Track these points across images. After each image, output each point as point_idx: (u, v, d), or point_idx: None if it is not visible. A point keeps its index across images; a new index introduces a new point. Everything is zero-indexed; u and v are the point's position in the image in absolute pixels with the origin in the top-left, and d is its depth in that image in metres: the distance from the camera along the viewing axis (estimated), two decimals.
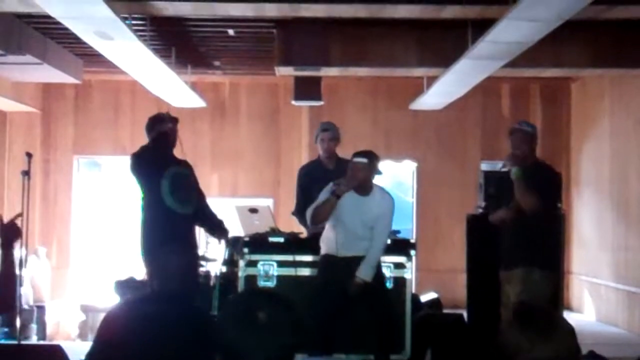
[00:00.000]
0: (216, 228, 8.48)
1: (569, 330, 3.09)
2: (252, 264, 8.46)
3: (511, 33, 8.83)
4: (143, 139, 14.89)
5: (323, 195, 7.63)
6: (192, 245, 8.22)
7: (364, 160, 7.65)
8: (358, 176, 7.61)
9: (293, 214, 9.05)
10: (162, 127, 8.21)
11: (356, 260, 7.60)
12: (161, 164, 8.04)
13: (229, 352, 3.05)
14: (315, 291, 7.73)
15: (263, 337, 2.98)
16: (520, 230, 7.63)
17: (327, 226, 7.77)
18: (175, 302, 4.93)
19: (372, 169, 7.69)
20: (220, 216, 8.52)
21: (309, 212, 7.80)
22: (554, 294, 7.80)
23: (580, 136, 14.60)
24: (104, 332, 4.81)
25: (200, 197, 8.36)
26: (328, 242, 7.77)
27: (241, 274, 8.47)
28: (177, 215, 8.01)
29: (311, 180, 8.66)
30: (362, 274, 7.56)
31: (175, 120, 8.35)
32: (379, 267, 7.78)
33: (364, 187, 7.67)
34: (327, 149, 8.89)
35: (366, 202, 7.68)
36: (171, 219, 7.95)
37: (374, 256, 7.65)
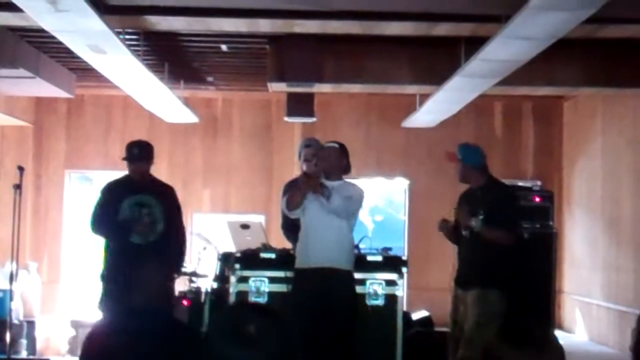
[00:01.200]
0: (173, 266, 8.30)
1: (559, 348, 3.07)
2: (244, 280, 8.45)
3: (504, 51, 8.81)
4: None
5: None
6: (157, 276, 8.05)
7: (335, 144, 7.85)
8: (329, 159, 7.76)
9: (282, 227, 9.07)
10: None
11: (327, 272, 7.57)
12: (124, 191, 8.10)
13: None
14: (291, 309, 7.69)
15: (252, 350, 2.95)
16: (476, 251, 7.68)
17: (299, 237, 7.79)
18: (158, 317, 4.97)
19: (341, 155, 7.81)
20: (182, 253, 8.45)
21: (283, 200, 7.88)
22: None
23: (573, 155, 14.60)
24: (87, 348, 4.82)
25: (170, 225, 8.23)
26: (299, 253, 7.79)
27: (232, 290, 8.47)
28: (130, 244, 8.03)
29: None
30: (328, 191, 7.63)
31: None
32: (352, 283, 7.76)
33: (333, 174, 7.77)
34: (309, 165, 8.86)
35: (336, 188, 7.70)
36: (126, 248, 7.99)
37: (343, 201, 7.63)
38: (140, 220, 8.22)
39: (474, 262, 7.73)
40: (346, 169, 7.95)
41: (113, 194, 8.47)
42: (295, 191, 7.86)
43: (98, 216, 8.45)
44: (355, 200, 7.78)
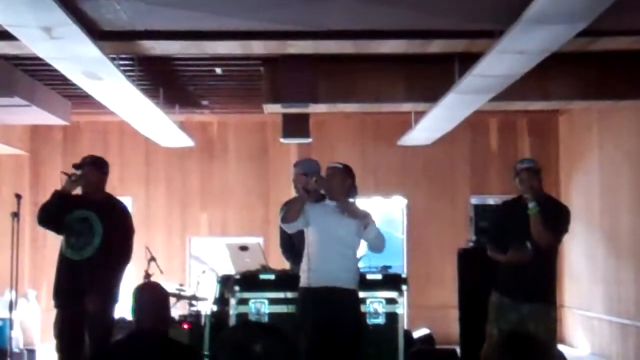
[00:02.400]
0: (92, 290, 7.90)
1: (560, 357, 3.05)
2: (244, 302, 8.41)
3: (498, 66, 8.82)
4: (132, 179, 15.00)
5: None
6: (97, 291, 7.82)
7: (339, 165, 7.73)
8: (331, 180, 7.63)
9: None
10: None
11: (332, 292, 7.44)
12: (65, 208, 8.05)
13: None
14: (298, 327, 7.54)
15: None
16: (538, 264, 7.55)
17: (304, 254, 7.67)
18: (158, 339, 4.98)
19: (346, 176, 7.68)
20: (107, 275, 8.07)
21: (281, 214, 7.80)
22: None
23: (569, 170, 14.60)
24: None
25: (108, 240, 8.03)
26: (302, 272, 7.65)
27: (232, 312, 8.44)
28: (70, 261, 7.98)
29: None
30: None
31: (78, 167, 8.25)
32: (357, 304, 7.64)
33: (335, 195, 7.63)
34: (295, 184, 8.65)
35: (338, 211, 7.59)
36: (67, 265, 7.94)
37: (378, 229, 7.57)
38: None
39: (535, 275, 7.57)
40: (350, 191, 7.76)
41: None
42: (292, 202, 7.79)
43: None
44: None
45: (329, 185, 7.64)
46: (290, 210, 7.60)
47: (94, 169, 8.25)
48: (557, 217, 7.56)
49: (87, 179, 8.19)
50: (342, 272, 7.50)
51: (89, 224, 8.06)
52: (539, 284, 7.53)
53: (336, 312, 7.39)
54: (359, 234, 7.57)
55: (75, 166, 8.24)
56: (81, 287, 7.76)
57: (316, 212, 7.59)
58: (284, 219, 7.64)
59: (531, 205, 7.44)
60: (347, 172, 7.76)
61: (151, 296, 5.17)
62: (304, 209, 7.53)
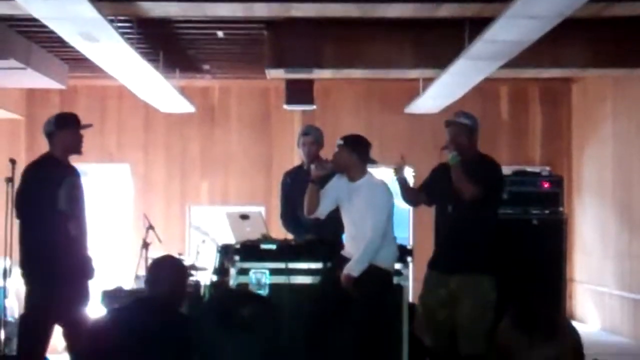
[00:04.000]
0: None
1: (574, 336, 2.86)
2: (244, 272, 8.20)
3: (509, 31, 8.64)
4: (130, 146, 14.76)
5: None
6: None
7: (340, 141, 7.49)
8: (334, 158, 7.46)
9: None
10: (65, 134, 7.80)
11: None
12: (59, 173, 7.70)
13: (207, 353, 3.00)
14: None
15: (243, 334, 2.94)
16: (464, 231, 7.37)
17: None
18: (158, 308, 4.97)
19: (350, 151, 7.45)
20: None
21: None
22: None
23: (582, 140, 14.34)
24: (84, 341, 5.01)
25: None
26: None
27: (232, 282, 8.26)
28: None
29: (294, 186, 8.52)
30: (348, 267, 7.28)
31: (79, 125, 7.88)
32: (368, 276, 7.38)
33: (349, 173, 7.47)
34: (308, 153, 8.71)
35: (353, 189, 7.46)
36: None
37: (362, 251, 7.31)
38: None
39: (461, 243, 7.38)
40: (364, 162, 7.55)
41: None
42: (307, 196, 7.54)
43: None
44: (380, 208, 7.44)
45: (340, 169, 7.47)
46: (308, 205, 7.49)
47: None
48: (485, 173, 7.36)
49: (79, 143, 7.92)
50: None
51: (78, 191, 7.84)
52: (470, 253, 7.32)
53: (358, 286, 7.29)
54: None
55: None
56: None
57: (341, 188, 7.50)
58: (308, 213, 7.57)
59: (451, 155, 7.32)
60: (351, 146, 7.50)
61: (171, 271, 5.23)
62: (325, 193, 7.49)
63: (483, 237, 7.41)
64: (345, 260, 7.40)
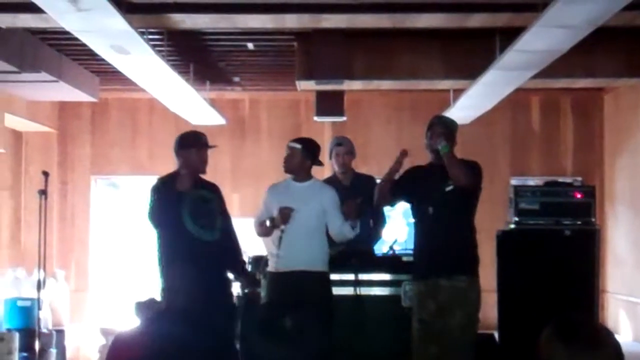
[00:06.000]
0: (240, 273, 8.10)
1: (614, 344, 2.88)
2: None
3: (541, 41, 8.56)
4: (161, 158, 14.76)
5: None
6: (217, 271, 7.72)
7: (296, 145, 7.63)
8: (290, 160, 7.61)
9: None
10: (190, 153, 7.84)
11: (301, 275, 7.40)
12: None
13: None
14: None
15: (290, 345, 2.94)
16: (448, 232, 7.30)
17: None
18: (190, 320, 4.94)
19: (305, 157, 7.60)
20: (242, 255, 8.16)
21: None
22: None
23: (614, 150, 14.23)
24: (113, 351, 4.89)
25: (226, 222, 7.93)
26: (270, 255, 7.67)
27: (264, 293, 8.23)
28: (198, 242, 7.64)
29: None
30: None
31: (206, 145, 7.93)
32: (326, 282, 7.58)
33: (299, 174, 7.61)
34: (342, 164, 8.78)
35: (305, 189, 7.59)
36: (193, 245, 7.59)
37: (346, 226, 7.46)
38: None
39: (444, 245, 7.31)
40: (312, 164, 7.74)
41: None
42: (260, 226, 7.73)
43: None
44: (335, 206, 7.60)
45: (289, 168, 7.68)
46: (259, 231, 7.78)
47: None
48: (470, 168, 7.34)
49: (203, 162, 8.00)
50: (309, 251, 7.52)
51: (209, 204, 7.84)
52: (454, 255, 7.24)
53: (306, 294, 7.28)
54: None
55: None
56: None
57: (280, 196, 7.67)
58: (258, 233, 7.86)
59: (442, 145, 7.25)
60: (307, 151, 7.63)
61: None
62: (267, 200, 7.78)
63: (466, 238, 7.36)
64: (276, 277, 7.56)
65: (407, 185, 7.54)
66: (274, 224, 7.50)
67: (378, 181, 7.94)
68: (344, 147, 8.79)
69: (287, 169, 7.70)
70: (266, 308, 3.80)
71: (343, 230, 7.50)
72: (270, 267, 7.64)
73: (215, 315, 6.17)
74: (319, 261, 7.54)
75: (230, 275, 8.23)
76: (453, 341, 7.24)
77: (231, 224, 8.11)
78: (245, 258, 9.67)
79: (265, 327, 2.97)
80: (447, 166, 7.21)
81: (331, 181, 8.80)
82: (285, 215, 7.45)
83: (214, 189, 7.97)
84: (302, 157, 7.59)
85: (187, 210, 7.61)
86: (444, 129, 7.50)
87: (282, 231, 7.45)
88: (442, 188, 7.29)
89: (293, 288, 7.30)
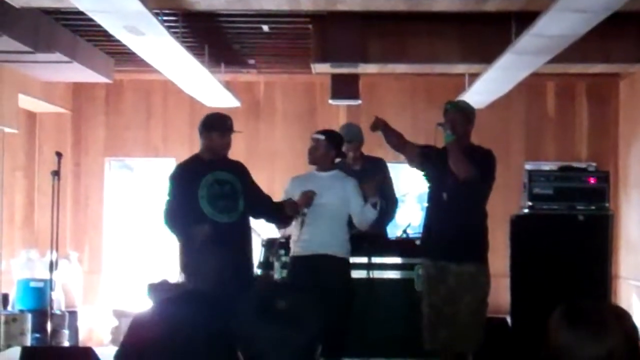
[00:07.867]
0: (279, 219, 8.10)
1: (625, 330, 2.85)
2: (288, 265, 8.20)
3: (557, 25, 8.54)
4: (176, 140, 14.75)
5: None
6: (241, 252, 7.67)
7: (320, 136, 7.82)
8: (314, 152, 7.80)
9: None
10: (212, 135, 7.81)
11: (321, 259, 7.52)
12: (200, 171, 7.67)
13: (250, 346, 2.99)
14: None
15: (285, 327, 2.92)
16: (458, 217, 7.29)
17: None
18: (205, 302, 4.88)
19: (329, 148, 7.77)
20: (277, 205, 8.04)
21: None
22: None
23: (629, 136, 14.16)
24: (131, 333, 4.78)
25: (254, 200, 7.84)
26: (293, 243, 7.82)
27: (277, 276, 8.31)
28: (216, 224, 7.57)
29: None
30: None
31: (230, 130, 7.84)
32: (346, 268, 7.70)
33: (323, 165, 7.77)
34: (354, 157, 8.91)
35: (329, 178, 7.72)
36: (211, 228, 7.54)
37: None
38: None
39: (456, 232, 7.31)
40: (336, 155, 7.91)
41: None
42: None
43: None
44: (358, 196, 7.74)
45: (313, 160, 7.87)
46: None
47: None
48: (480, 159, 7.37)
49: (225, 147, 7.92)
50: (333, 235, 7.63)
51: (227, 187, 7.76)
52: (465, 241, 7.29)
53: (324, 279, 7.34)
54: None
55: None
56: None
57: (303, 186, 7.80)
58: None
59: (446, 133, 7.32)
60: (330, 142, 7.78)
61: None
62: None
63: (477, 225, 7.41)
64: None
65: (430, 162, 7.60)
66: (295, 208, 7.59)
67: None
68: (354, 144, 8.90)
69: (312, 160, 7.88)
70: (262, 289, 3.70)
71: (365, 211, 7.58)
72: (292, 252, 7.76)
73: (234, 298, 6.08)
74: (340, 247, 7.65)
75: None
76: (463, 325, 7.25)
77: (259, 198, 7.92)
78: (259, 241, 9.68)
79: (258, 308, 2.96)
80: (449, 157, 7.22)
81: (342, 166, 8.82)
82: (307, 198, 7.57)
83: (235, 170, 7.82)
84: (326, 148, 7.75)
85: (204, 193, 7.57)
86: (455, 114, 7.51)
87: (304, 214, 7.51)
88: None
89: (312, 271, 7.40)
